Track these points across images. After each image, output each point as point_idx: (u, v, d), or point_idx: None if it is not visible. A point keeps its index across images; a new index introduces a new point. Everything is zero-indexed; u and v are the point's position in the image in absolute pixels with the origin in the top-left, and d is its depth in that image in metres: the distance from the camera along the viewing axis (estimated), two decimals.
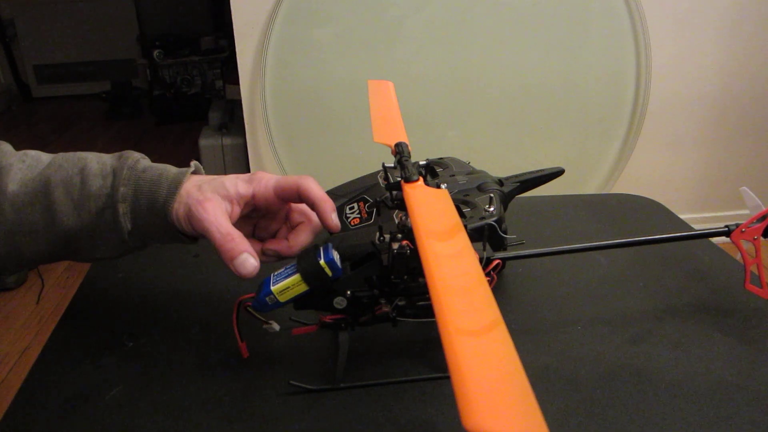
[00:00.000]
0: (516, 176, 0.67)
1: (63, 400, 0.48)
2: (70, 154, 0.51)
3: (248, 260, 0.45)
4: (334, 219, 0.47)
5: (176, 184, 0.48)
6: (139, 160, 0.51)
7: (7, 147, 0.52)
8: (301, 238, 0.50)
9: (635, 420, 0.45)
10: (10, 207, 0.48)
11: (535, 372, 0.50)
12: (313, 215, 0.51)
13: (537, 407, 0.24)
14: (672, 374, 0.50)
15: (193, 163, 0.52)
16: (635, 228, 0.77)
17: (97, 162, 0.50)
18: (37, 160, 0.51)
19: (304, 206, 0.52)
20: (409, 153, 0.47)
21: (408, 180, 0.43)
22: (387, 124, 0.54)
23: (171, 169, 0.50)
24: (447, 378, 0.49)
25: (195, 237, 0.51)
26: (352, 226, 0.59)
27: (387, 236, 0.45)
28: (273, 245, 0.50)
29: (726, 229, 0.55)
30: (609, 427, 0.44)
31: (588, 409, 0.46)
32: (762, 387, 0.48)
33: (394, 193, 0.45)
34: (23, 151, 0.52)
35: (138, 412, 0.46)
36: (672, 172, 1.94)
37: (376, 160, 0.55)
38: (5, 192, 0.48)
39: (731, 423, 0.45)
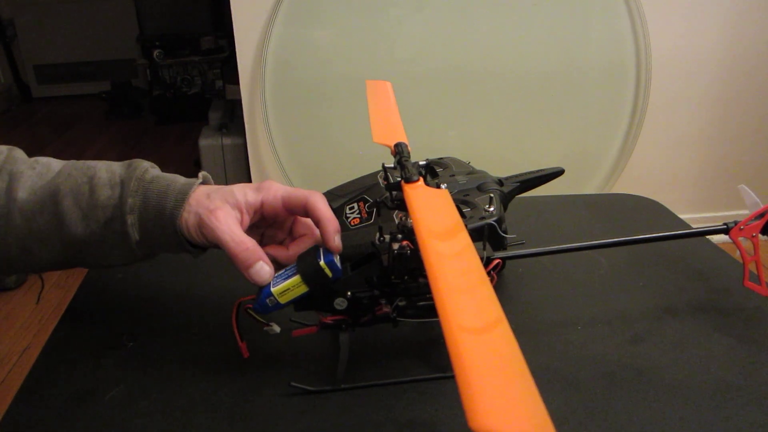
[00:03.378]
0: (516, 176, 0.67)
1: (63, 400, 0.48)
2: (80, 163, 0.52)
3: (263, 268, 0.45)
4: (336, 241, 0.47)
5: (183, 195, 0.48)
6: (148, 169, 0.51)
7: (19, 153, 0.53)
8: (300, 249, 0.51)
9: (635, 420, 0.45)
10: (20, 214, 0.49)
11: (535, 372, 0.50)
12: (317, 230, 0.51)
13: (543, 406, 0.24)
14: (672, 374, 0.49)
15: (202, 174, 0.52)
16: (635, 228, 0.77)
17: (106, 171, 0.51)
18: (47, 167, 0.52)
19: (309, 220, 0.52)
20: (408, 153, 0.47)
21: (408, 180, 0.43)
22: (386, 124, 0.54)
23: (179, 180, 0.50)
24: (447, 378, 0.49)
25: (203, 247, 0.51)
26: (352, 226, 0.59)
27: (387, 236, 0.45)
28: (272, 250, 0.51)
29: (724, 226, 0.55)
30: (609, 427, 0.44)
31: (588, 409, 0.46)
32: (762, 387, 0.48)
33: (394, 193, 0.45)
34: (35, 158, 0.53)
35: (138, 412, 0.46)
36: (672, 172, 1.94)
37: (376, 160, 0.55)
38: (15, 199, 0.49)
39: (731, 423, 0.45)
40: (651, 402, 0.47)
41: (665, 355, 0.52)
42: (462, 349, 0.26)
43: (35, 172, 0.51)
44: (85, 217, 0.49)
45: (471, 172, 0.65)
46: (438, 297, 0.30)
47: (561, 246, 0.53)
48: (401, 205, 0.45)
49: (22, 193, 0.50)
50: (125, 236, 0.49)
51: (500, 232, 0.56)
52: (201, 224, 0.47)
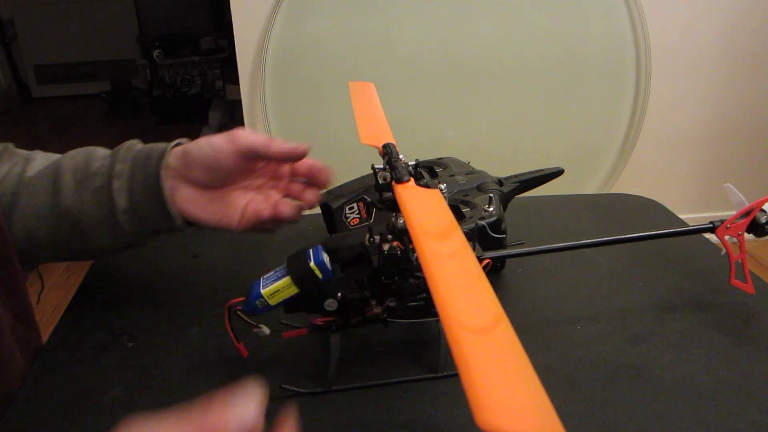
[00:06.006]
0: (516, 176, 0.67)
1: (63, 399, 0.48)
2: (85, 147, 0.56)
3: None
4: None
5: (164, 150, 0.53)
6: (137, 143, 0.55)
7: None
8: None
9: (635, 420, 0.45)
10: (25, 191, 0.53)
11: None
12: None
13: (549, 402, 0.24)
14: (672, 374, 0.50)
15: (179, 140, 0.56)
16: (635, 228, 0.77)
17: (103, 150, 0.55)
18: (58, 155, 0.56)
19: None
20: (397, 153, 0.46)
21: (399, 181, 0.43)
22: (372, 125, 0.54)
23: (161, 143, 0.55)
24: (439, 378, 0.49)
25: (189, 222, 0.54)
26: (352, 226, 0.59)
27: (377, 237, 0.45)
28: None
29: (711, 225, 0.55)
30: (609, 427, 0.44)
31: (588, 409, 0.46)
32: (761, 386, 0.48)
33: (384, 194, 0.45)
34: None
35: (138, 412, 0.46)
36: (672, 172, 1.94)
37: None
38: (23, 178, 0.53)
39: (730, 422, 0.45)
40: (650, 401, 0.47)
41: (665, 354, 0.52)
42: (465, 347, 0.26)
43: (46, 157, 0.56)
44: (78, 187, 0.52)
45: (470, 172, 0.65)
46: (437, 297, 0.30)
47: (554, 245, 0.53)
48: (391, 206, 0.44)
49: (31, 172, 0.54)
50: (111, 203, 0.52)
51: (491, 233, 0.56)
52: (190, 150, 0.52)
